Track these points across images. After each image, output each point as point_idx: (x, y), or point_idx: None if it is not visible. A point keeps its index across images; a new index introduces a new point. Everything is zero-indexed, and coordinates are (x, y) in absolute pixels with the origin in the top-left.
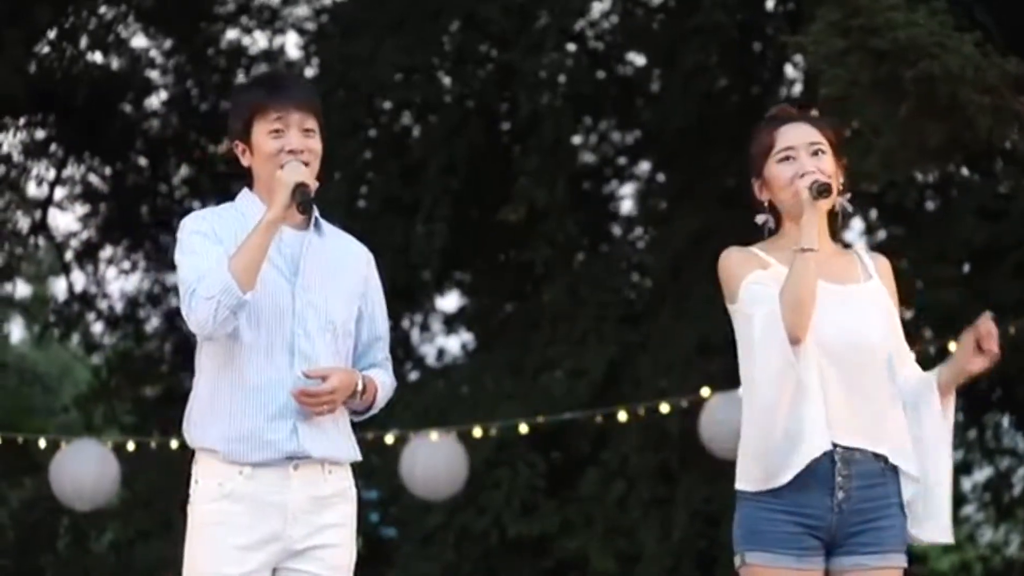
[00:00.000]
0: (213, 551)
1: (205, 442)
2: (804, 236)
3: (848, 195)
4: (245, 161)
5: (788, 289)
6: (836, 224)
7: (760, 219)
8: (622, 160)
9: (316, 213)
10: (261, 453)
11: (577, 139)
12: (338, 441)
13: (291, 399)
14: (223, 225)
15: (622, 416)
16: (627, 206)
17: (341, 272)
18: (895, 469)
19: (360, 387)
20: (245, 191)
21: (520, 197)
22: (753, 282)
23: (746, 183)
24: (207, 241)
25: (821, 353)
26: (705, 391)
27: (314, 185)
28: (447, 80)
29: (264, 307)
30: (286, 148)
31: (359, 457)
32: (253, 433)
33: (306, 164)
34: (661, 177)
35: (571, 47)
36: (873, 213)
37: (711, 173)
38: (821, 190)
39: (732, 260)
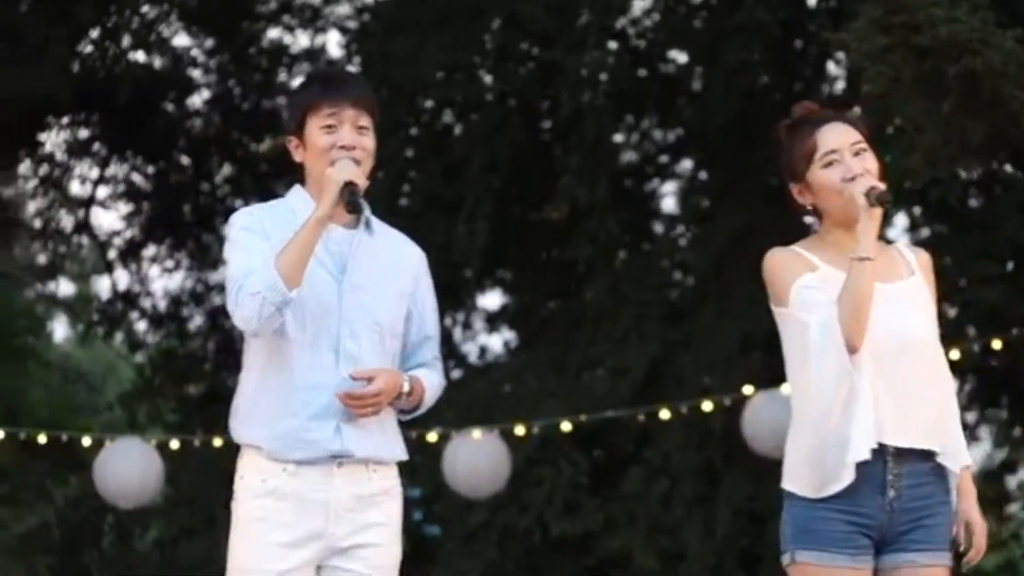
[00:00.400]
0: (256, 547)
1: (250, 439)
2: (861, 244)
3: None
4: (297, 156)
5: (847, 299)
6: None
7: (810, 220)
8: (664, 158)
9: (368, 212)
10: (304, 452)
11: (619, 137)
12: (382, 441)
13: (335, 399)
14: (272, 221)
15: (664, 414)
16: (669, 204)
17: (391, 271)
18: (944, 467)
19: (406, 389)
20: (296, 187)
21: (562, 195)
22: (804, 286)
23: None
24: (255, 237)
25: (871, 353)
26: (748, 389)
27: (364, 184)
28: (489, 78)
29: (310, 306)
30: (338, 144)
31: (405, 457)
32: (296, 432)
33: (357, 162)
34: (703, 175)
35: (613, 45)
36: (916, 210)
37: (753, 171)
38: (883, 200)
39: (778, 262)
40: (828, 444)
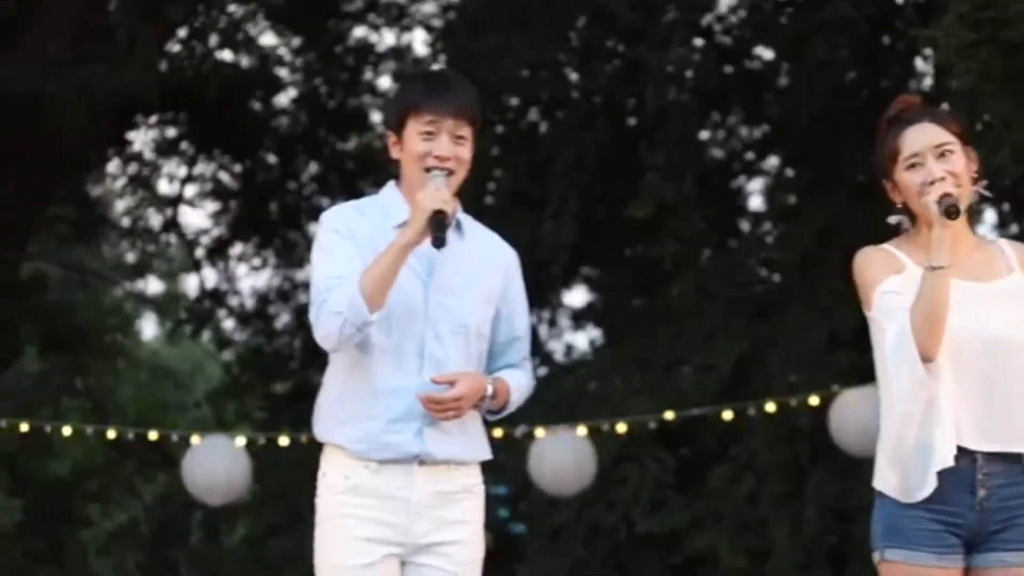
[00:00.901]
0: (339, 542)
1: (333, 439)
2: (934, 254)
3: (985, 182)
4: (394, 153)
5: (919, 310)
6: (973, 217)
7: (893, 220)
8: (750, 155)
9: (459, 212)
10: (385, 453)
11: (705, 134)
12: (464, 443)
13: (417, 402)
14: (361, 223)
15: (751, 412)
16: (755, 201)
17: (479, 273)
18: None
19: (489, 392)
20: (391, 184)
21: (647, 192)
22: (886, 291)
23: (876, 177)
24: (343, 241)
25: (955, 356)
26: (835, 386)
27: (453, 207)
28: (574, 76)
29: (396, 308)
30: (433, 153)
31: (489, 456)
32: (378, 435)
33: (451, 172)
34: (789, 172)
35: (699, 42)
36: (1005, 207)
37: (840, 168)
38: (950, 211)
39: (867, 263)
40: (910, 454)
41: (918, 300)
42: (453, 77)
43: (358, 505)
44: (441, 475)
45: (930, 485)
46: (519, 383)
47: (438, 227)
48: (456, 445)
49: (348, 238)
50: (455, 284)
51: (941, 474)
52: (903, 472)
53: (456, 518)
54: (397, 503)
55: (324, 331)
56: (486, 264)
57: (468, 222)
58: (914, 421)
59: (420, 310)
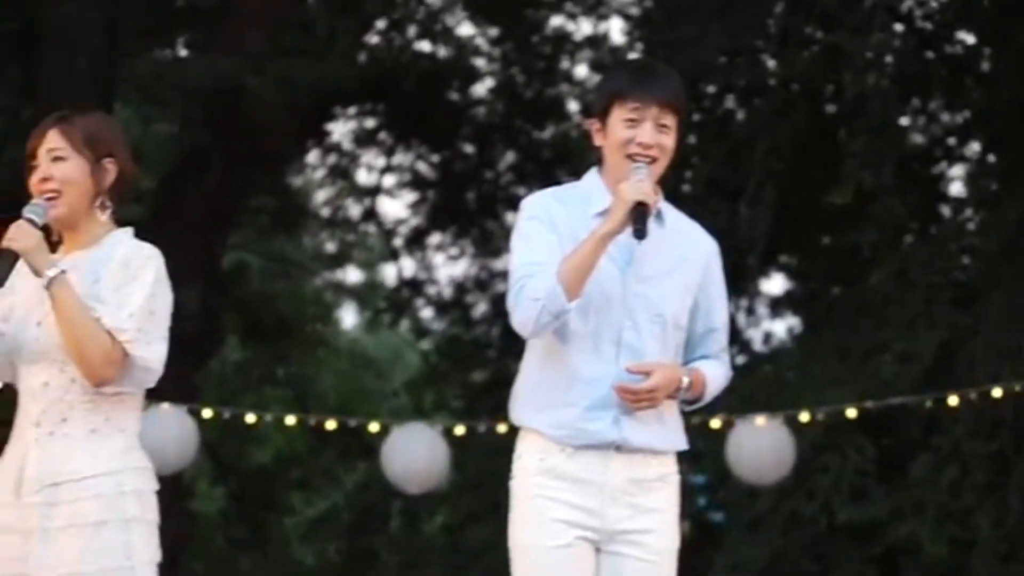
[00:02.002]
0: (534, 523)
1: (529, 423)
2: None
3: None
4: (597, 141)
5: None
6: None
7: None
8: (951, 141)
9: (660, 202)
10: (583, 440)
11: (905, 120)
12: (660, 432)
13: (614, 391)
14: (561, 212)
15: (953, 401)
16: (957, 187)
17: (679, 263)
18: None
19: (685, 383)
20: (593, 172)
21: (847, 179)
22: None
23: None
24: (542, 228)
25: None
26: None
27: (655, 199)
28: (772, 63)
29: (593, 296)
30: (636, 140)
31: (685, 446)
32: (574, 422)
33: (652, 161)
34: (991, 158)
35: (898, 27)
36: None
37: None
38: None
39: None
40: None
41: None
42: (660, 67)
43: (552, 487)
44: (637, 463)
45: None
46: (715, 375)
47: (639, 219)
48: (653, 434)
49: (547, 225)
50: (654, 274)
51: None
52: None
53: (651, 506)
54: (591, 488)
55: (521, 318)
56: (686, 254)
57: (669, 211)
58: None
59: (618, 299)
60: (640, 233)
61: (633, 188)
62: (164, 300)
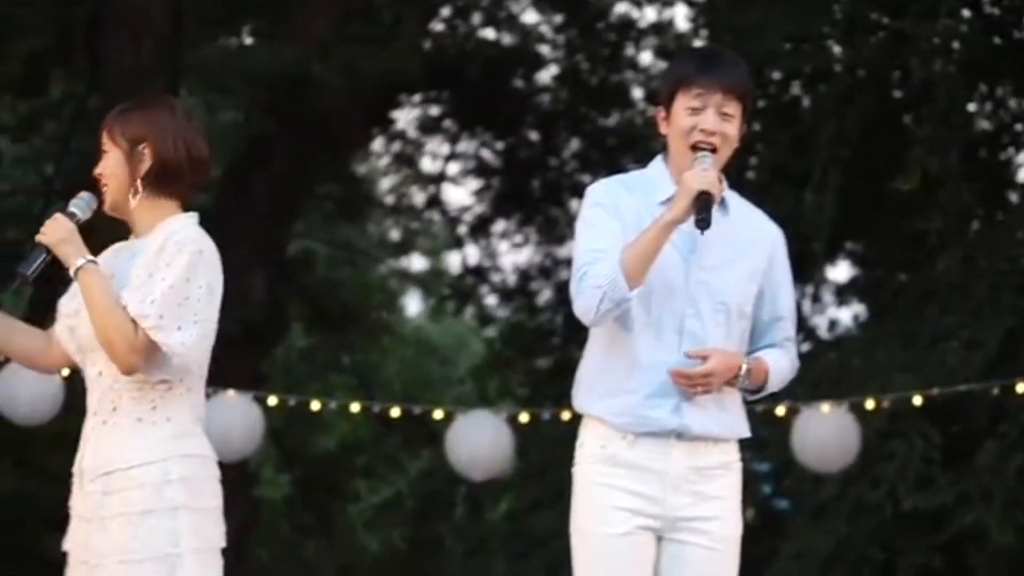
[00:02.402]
0: (595, 510)
1: (591, 410)
2: None
3: None
4: (663, 129)
5: None
6: None
7: None
8: (1019, 127)
9: (724, 190)
10: (644, 427)
11: (971, 106)
12: (721, 419)
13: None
14: (627, 198)
15: (1020, 388)
16: None
17: (742, 251)
18: None
19: (743, 371)
20: (658, 159)
21: (913, 166)
22: None
23: None
24: (607, 216)
25: None
26: None
27: (719, 188)
28: (837, 49)
29: (656, 285)
30: (699, 127)
31: (747, 434)
32: (635, 409)
33: (714, 150)
34: None
35: (966, 13)
36: None
37: None
38: None
39: None
40: None
41: None
42: (726, 54)
43: (614, 475)
44: (699, 450)
45: None
46: (779, 365)
47: (703, 208)
48: (713, 421)
49: (612, 212)
50: (717, 262)
51: None
52: None
53: (714, 494)
54: (652, 476)
55: (583, 305)
56: (750, 242)
57: (734, 199)
58: None
59: (680, 287)
60: (704, 223)
61: (697, 177)
62: (203, 285)
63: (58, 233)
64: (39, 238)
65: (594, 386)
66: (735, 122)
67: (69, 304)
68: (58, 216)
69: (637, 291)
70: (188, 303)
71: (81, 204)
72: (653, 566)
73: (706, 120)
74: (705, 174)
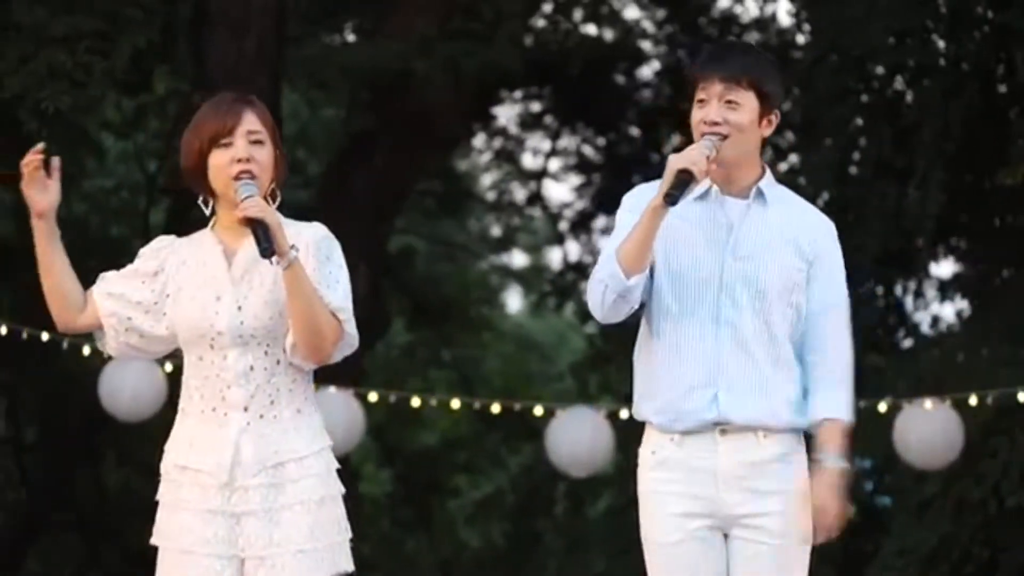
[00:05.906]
0: (655, 519)
1: (641, 414)
2: None
3: None
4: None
5: None
6: None
7: None
8: None
9: (765, 182)
10: (684, 423)
11: None
12: (765, 407)
13: (714, 368)
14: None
15: None
16: None
17: (781, 241)
18: None
19: (844, 471)
20: None
21: (1017, 160)
22: None
23: None
24: (631, 218)
25: None
26: None
27: (700, 169)
28: (941, 43)
29: (690, 276)
30: (704, 119)
31: (800, 423)
32: (675, 403)
33: (725, 136)
34: None
35: None
36: None
37: None
38: None
39: None
40: None
41: None
42: (736, 44)
43: (667, 480)
44: (747, 444)
45: None
46: (837, 399)
47: (678, 185)
48: (756, 409)
49: (638, 213)
50: (753, 251)
51: None
52: None
53: (769, 489)
54: (704, 475)
55: (591, 302)
56: (790, 232)
57: (774, 190)
58: None
59: (715, 277)
60: (670, 199)
61: (681, 157)
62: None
63: (271, 217)
64: (252, 213)
65: (640, 387)
66: (744, 109)
67: (143, 294)
68: (259, 199)
69: (636, 279)
70: (350, 296)
71: (255, 190)
72: (726, 564)
73: (707, 111)
74: (690, 153)
